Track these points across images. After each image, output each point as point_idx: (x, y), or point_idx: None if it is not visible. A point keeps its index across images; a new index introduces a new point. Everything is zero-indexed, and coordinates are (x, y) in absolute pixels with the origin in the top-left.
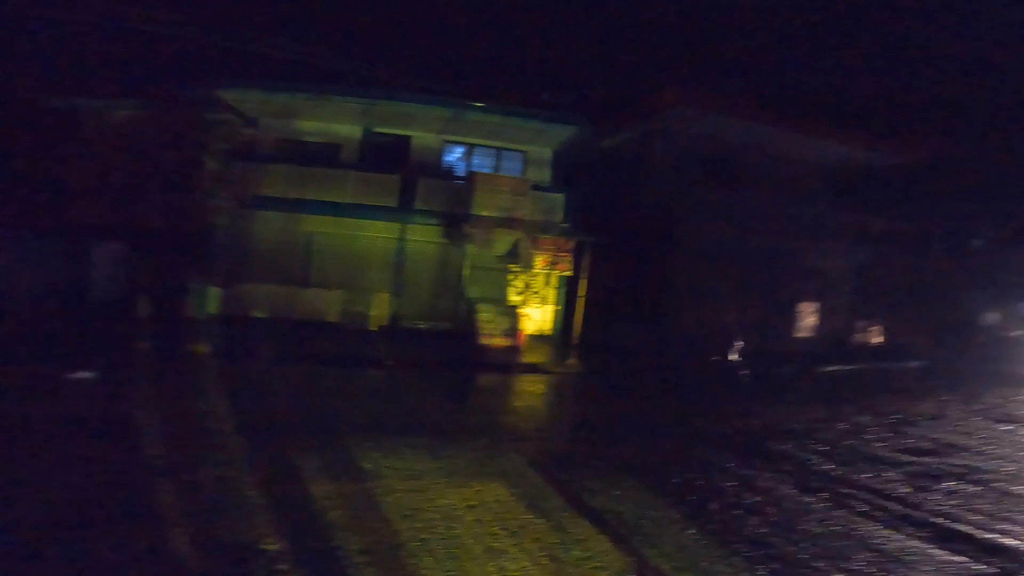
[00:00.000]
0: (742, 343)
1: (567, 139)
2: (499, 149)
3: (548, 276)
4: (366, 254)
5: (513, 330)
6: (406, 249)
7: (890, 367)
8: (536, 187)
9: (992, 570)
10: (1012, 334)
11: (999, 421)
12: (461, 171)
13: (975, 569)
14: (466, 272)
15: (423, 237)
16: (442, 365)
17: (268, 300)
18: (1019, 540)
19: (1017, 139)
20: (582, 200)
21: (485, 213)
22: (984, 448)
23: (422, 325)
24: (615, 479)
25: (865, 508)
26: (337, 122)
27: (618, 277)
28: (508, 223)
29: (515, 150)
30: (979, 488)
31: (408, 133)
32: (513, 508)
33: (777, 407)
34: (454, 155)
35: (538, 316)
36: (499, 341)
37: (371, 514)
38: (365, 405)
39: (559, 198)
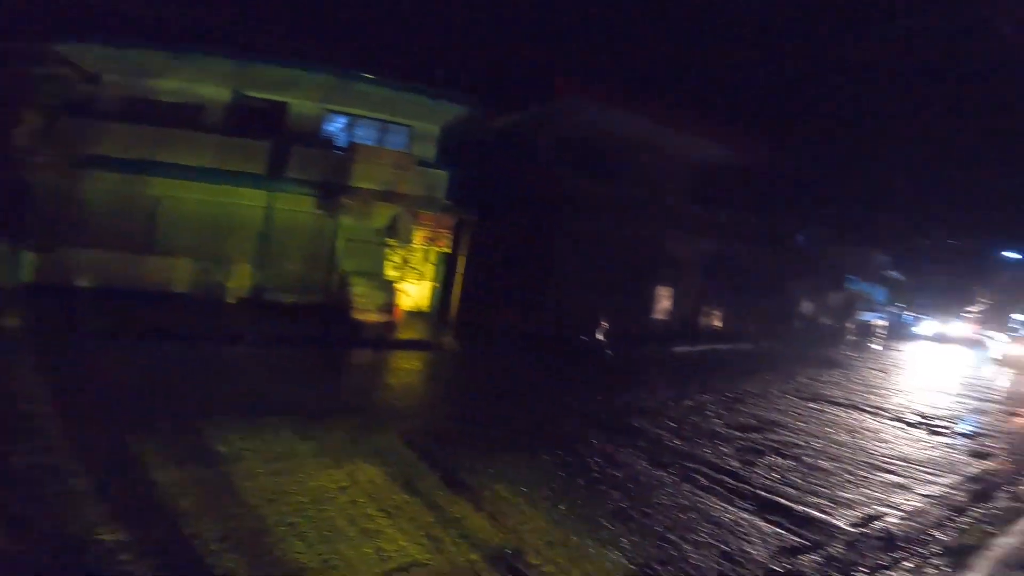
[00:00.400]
0: (607, 325)
1: (456, 117)
2: (384, 122)
3: (427, 252)
4: (225, 221)
5: (389, 305)
6: (274, 218)
7: (727, 349)
8: (420, 163)
9: (804, 542)
10: (822, 321)
11: (808, 400)
12: (342, 142)
13: (790, 540)
14: (340, 244)
15: (293, 206)
16: (311, 341)
17: (99, 267)
18: (825, 513)
19: (838, 149)
20: (467, 179)
21: (365, 186)
22: (796, 424)
23: (289, 298)
24: (491, 457)
25: (705, 482)
26: (201, 83)
27: (497, 257)
28: (388, 197)
29: (401, 124)
30: (793, 462)
31: (286, 99)
32: (388, 488)
33: (635, 386)
34: (335, 125)
35: (415, 292)
36: (374, 316)
37: (229, 500)
38: (220, 385)
39: (443, 175)
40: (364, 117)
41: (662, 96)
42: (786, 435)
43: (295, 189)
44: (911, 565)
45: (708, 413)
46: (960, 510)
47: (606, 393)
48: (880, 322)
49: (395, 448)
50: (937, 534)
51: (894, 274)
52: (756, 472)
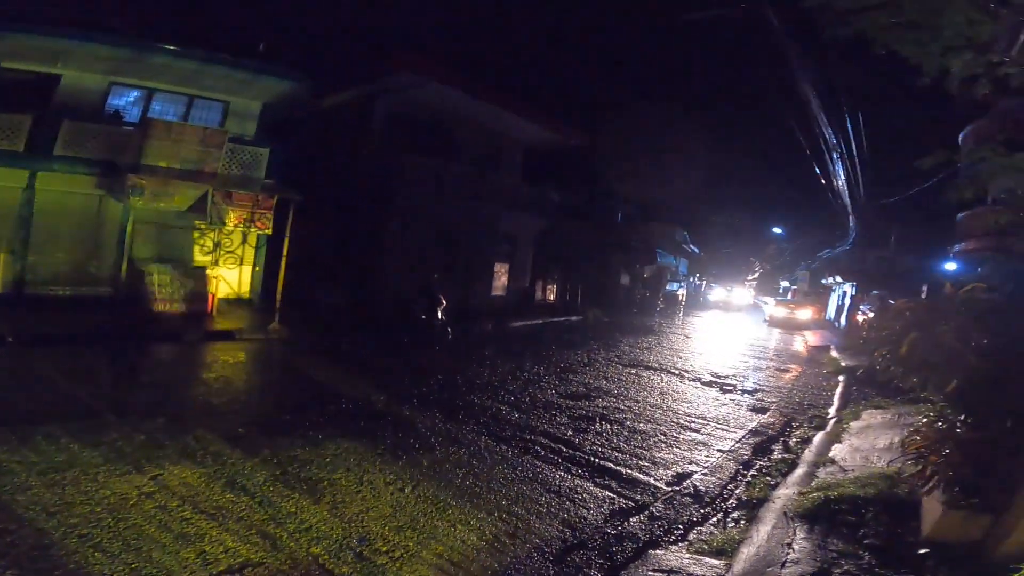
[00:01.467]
0: (445, 303)
1: (280, 93)
2: (192, 97)
3: (245, 234)
4: None
5: (200, 295)
6: (37, 200)
7: (559, 321)
8: (237, 140)
9: (631, 503)
10: (638, 292)
11: (628, 366)
12: (134, 116)
13: (620, 503)
14: (130, 229)
15: (65, 187)
16: (95, 337)
17: None
18: (647, 474)
19: (648, 134)
20: (293, 156)
21: (163, 164)
22: (619, 390)
23: (62, 291)
24: (326, 446)
25: (543, 452)
26: None
27: (328, 237)
28: (194, 176)
29: (213, 99)
30: (618, 427)
31: (57, 71)
32: (207, 489)
33: (474, 362)
34: (124, 99)
35: (233, 278)
36: (178, 307)
37: None
38: None
39: (263, 152)
40: (165, 91)
41: (496, 76)
42: (610, 401)
43: (66, 168)
44: (716, 519)
45: (543, 384)
46: (748, 464)
47: (444, 371)
48: (682, 291)
49: (213, 447)
50: (732, 488)
51: (692, 248)
52: (587, 439)
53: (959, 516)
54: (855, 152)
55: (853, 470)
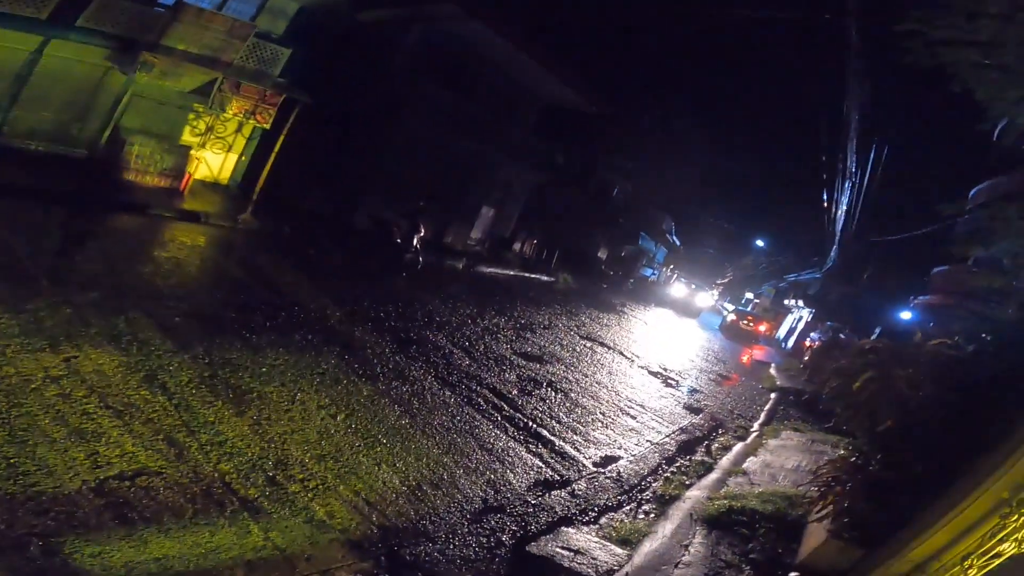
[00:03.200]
0: (424, 232)
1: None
2: None
3: (241, 124)
4: None
5: (177, 171)
6: (40, 62)
7: (530, 278)
8: (263, 36)
9: (556, 476)
10: (612, 269)
11: (585, 338)
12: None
13: (546, 473)
14: (126, 100)
15: (74, 55)
16: (57, 197)
17: None
18: (577, 450)
19: (665, 119)
20: (315, 62)
21: (181, 47)
22: (571, 360)
23: (36, 146)
24: (265, 354)
25: (485, 406)
26: None
27: (328, 146)
28: (208, 63)
29: None
30: (562, 396)
31: None
32: (121, 382)
33: (439, 299)
34: None
35: (216, 163)
36: (153, 180)
37: None
38: None
39: (285, 52)
40: None
41: (532, 28)
42: (560, 369)
43: (81, 39)
44: (629, 508)
45: (500, 337)
46: (670, 460)
47: (408, 301)
48: (653, 279)
49: (142, 333)
50: (651, 480)
51: (674, 239)
52: (530, 403)
53: (836, 546)
54: (862, 185)
55: (760, 485)
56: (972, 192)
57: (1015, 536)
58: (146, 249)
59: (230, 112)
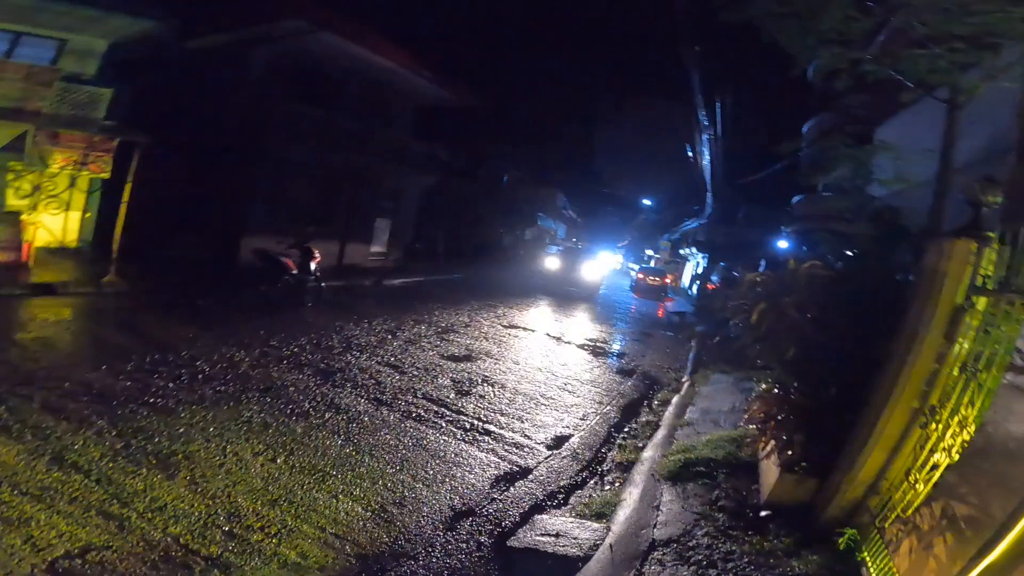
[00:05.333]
0: (319, 257)
1: (135, 32)
2: (19, 34)
3: (75, 178)
4: None
5: (12, 242)
6: None
7: (441, 279)
8: (73, 78)
9: (513, 468)
10: (520, 254)
11: (508, 327)
12: None
13: (504, 468)
14: None
15: None
16: None
17: None
18: (527, 437)
19: (536, 101)
20: (147, 99)
21: None
22: (500, 352)
23: None
24: (178, 415)
25: (427, 416)
26: None
27: (188, 186)
28: (12, 115)
29: (45, 36)
30: (499, 389)
31: None
32: (27, 468)
33: (352, 321)
34: None
35: (57, 225)
36: None
37: None
38: None
39: (104, 93)
40: None
41: (390, 31)
42: (493, 364)
43: None
44: (594, 482)
45: (424, 345)
46: (619, 426)
47: (318, 331)
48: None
49: (32, 419)
50: (606, 451)
51: (570, 213)
52: (470, 402)
53: (792, 479)
54: (719, 135)
55: (705, 433)
56: (804, 129)
57: (942, 446)
58: (2, 334)
59: (55, 166)
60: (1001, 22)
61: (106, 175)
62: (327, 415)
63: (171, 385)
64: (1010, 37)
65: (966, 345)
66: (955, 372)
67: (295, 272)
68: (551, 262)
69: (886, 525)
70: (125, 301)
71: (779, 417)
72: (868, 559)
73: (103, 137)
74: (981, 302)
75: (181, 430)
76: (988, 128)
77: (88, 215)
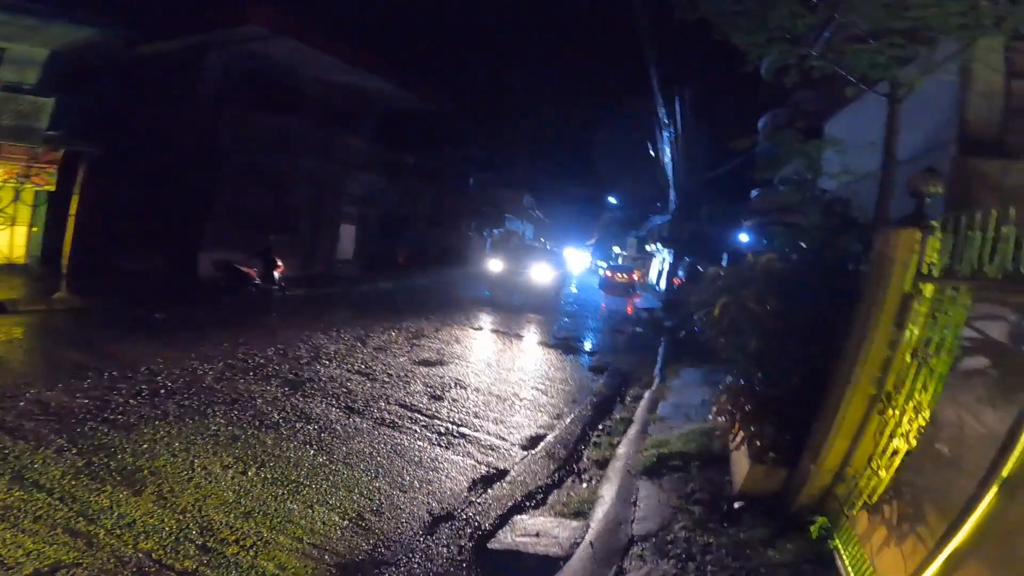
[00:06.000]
0: (282, 266)
1: (77, 41)
2: None
3: (19, 191)
4: None
5: None
6: None
7: (409, 284)
8: (12, 88)
9: (490, 470)
10: (477, 263)
11: (477, 330)
12: None
13: (481, 471)
14: None
15: None
16: None
17: None
18: (503, 439)
19: (500, 102)
20: (94, 108)
21: None
22: (470, 355)
23: None
24: (140, 431)
25: (400, 423)
26: None
27: (141, 197)
28: None
29: None
30: (472, 392)
31: None
32: None
33: (320, 329)
34: None
35: (3, 241)
36: None
37: None
38: None
39: (46, 102)
40: None
41: (347, 34)
42: (463, 366)
43: None
44: (571, 481)
45: (394, 351)
46: (592, 423)
47: (285, 340)
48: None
49: None
50: (581, 448)
51: (538, 213)
52: (443, 406)
53: (762, 470)
54: (681, 133)
55: (677, 427)
56: (759, 124)
57: (900, 431)
58: None
59: None
60: (936, 17)
61: (51, 187)
62: (298, 426)
63: (132, 401)
64: (945, 31)
65: (916, 331)
66: (907, 358)
67: (257, 282)
68: (494, 264)
69: (854, 512)
70: (78, 317)
71: (746, 409)
72: (840, 546)
73: (46, 148)
74: (928, 289)
75: (144, 446)
76: (930, 121)
77: (36, 229)
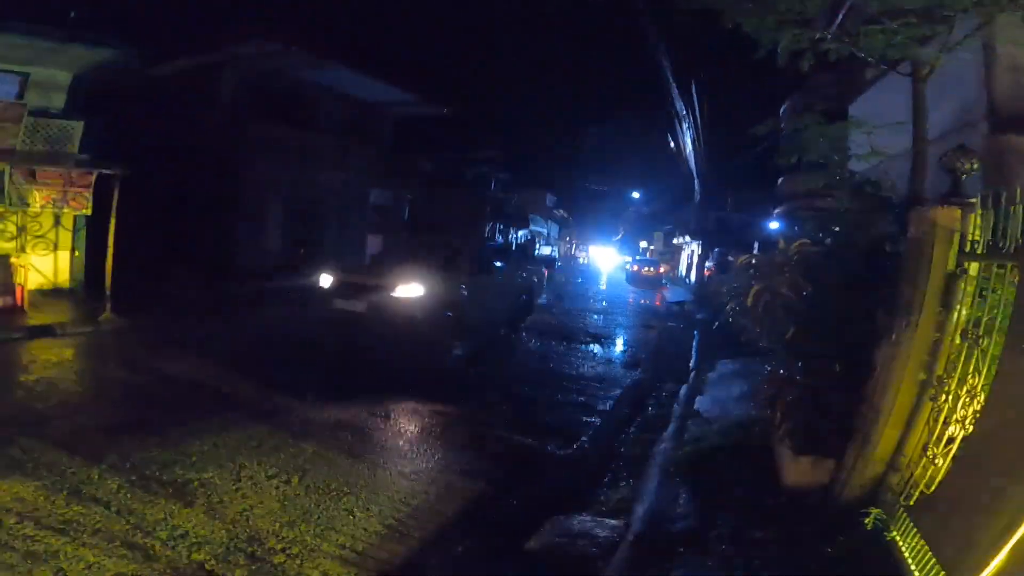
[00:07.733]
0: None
1: (96, 63)
2: None
3: (58, 216)
4: None
5: (4, 287)
6: None
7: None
8: (40, 113)
9: (528, 471)
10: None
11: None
12: None
13: (518, 472)
14: None
15: None
16: None
17: None
18: (540, 439)
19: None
20: (118, 130)
21: None
22: (504, 355)
23: None
24: (188, 443)
25: (438, 428)
26: None
27: (170, 216)
28: None
29: (8, 71)
30: (505, 393)
31: None
32: (47, 503)
33: (356, 343)
34: None
35: (47, 266)
36: None
37: None
38: None
39: (75, 126)
40: None
41: (363, 45)
42: (497, 367)
43: None
44: (607, 480)
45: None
46: (628, 421)
47: (328, 352)
48: (553, 252)
49: (45, 457)
50: (618, 447)
51: (561, 212)
52: (480, 409)
53: (807, 462)
54: (700, 123)
55: (715, 421)
56: (781, 110)
57: (955, 417)
58: (7, 377)
59: (36, 205)
60: None
61: (87, 211)
62: (339, 434)
63: (178, 416)
64: (959, 8)
65: (964, 312)
66: (956, 340)
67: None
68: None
69: (911, 503)
70: (125, 337)
71: (788, 399)
72: (899, 538)
73: (80, 172)
74: (973, 267)
75: (193, 458)
76: (957, 98)
77: (77, 254)
